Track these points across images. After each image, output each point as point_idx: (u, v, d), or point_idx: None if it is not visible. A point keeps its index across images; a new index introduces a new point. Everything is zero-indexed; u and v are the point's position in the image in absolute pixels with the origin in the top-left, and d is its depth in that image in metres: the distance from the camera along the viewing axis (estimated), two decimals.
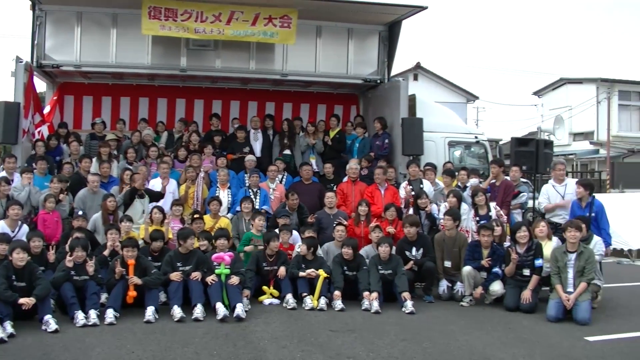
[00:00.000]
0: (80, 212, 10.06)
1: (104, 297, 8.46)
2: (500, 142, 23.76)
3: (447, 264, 9.94)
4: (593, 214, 9.91)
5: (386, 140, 13.30)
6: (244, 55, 13.50)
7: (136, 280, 8.41)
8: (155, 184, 11.20)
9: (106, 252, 9.12)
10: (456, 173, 11.93)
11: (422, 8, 12.92)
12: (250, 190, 11.32)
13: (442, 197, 11.16)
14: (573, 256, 8.74)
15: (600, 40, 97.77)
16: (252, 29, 12.55)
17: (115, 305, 8.12)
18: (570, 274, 8.71)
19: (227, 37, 12.60)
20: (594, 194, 10.28)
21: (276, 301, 9.24)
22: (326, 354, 6.78)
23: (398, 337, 7.56)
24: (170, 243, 9.79)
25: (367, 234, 10.37)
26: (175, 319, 8.01)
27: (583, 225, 9.20)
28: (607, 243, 10.03)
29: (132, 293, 8.38)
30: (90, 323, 7.72)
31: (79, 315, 7.78)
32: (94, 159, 11.59)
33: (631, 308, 9.48)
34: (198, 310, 8.16)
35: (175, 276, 8.57)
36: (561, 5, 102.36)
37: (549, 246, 9.37)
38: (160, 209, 10.15)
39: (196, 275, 8.59)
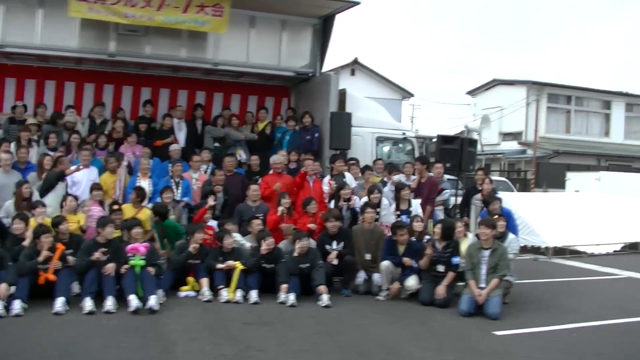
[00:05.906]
0: None
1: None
2: (434, 140, 24.05)
3: (368, 256, 9.98)
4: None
5: (316, 135, 13.34)
6: (174, 43, 13.28)
7: (59, 265, 8.22)
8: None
9: (26, 242, 8.75)
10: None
11: (355, 3, 13.06)
12: (172, 180, 11.16)
13: (363, 191, 11.27)
14: (487, 253, 8.93)
15: (533, 44, 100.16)
16: (183, 17, 12.36)
17: (23, 296, 7.86)
18: (484, 270, 8.90)
19: (157, 24, 12.35)
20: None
21: (192, 293, 9.14)
22: (236, 347, 6.77)
23: (311, 330, 7.61)
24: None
25: None
26: (85, 312, 7.84)
27: (502, 223, 9.48)
28: None
29: (51, 277, 8.12)
30: None
31: None
32: (13, 144, 11.22)
33: (542, 304, 9.74)
34: (109, 303, 7.99)
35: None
36: (498, 7, 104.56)
37: (465, 243, 9.58)
38: (75, 197, 9.90)
39: (109, 269, 8.35)
